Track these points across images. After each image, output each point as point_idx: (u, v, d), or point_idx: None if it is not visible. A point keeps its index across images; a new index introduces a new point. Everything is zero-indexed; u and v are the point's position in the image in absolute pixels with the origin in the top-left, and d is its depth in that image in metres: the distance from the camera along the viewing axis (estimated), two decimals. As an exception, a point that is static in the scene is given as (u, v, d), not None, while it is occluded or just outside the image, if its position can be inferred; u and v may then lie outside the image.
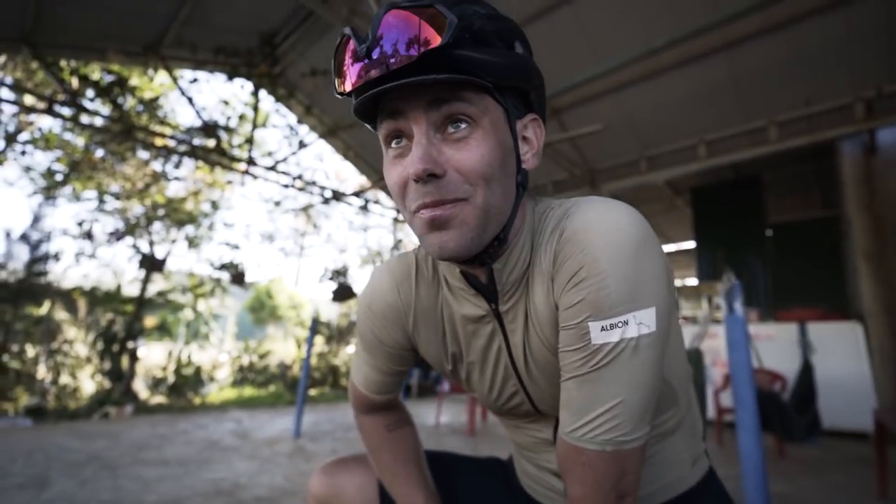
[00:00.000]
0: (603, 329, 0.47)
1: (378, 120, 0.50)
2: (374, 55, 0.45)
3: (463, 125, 0.48)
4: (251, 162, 5.27)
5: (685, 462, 0.64)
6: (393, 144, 0.50)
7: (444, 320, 0.65)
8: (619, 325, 0.47)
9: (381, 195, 8.52)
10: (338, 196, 6.66)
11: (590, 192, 5.63)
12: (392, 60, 0.44)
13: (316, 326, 4.05)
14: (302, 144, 5.63)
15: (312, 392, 7.22)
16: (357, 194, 6.94)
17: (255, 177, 5.65)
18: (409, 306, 0.66)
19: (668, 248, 9.66)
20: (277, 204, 8.24)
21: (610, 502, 0.47)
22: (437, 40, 0.43)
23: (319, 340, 8.88)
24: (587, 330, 0.48)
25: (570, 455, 0.50)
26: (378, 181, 6.90)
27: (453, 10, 0.44)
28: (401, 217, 7.86)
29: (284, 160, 5.81)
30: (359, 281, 10.36)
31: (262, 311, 16.76)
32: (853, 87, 3.85)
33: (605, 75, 4.02)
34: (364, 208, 7.26)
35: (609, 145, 5.18)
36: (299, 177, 6.13)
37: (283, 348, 9.95)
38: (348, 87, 0.47)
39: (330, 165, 13.23)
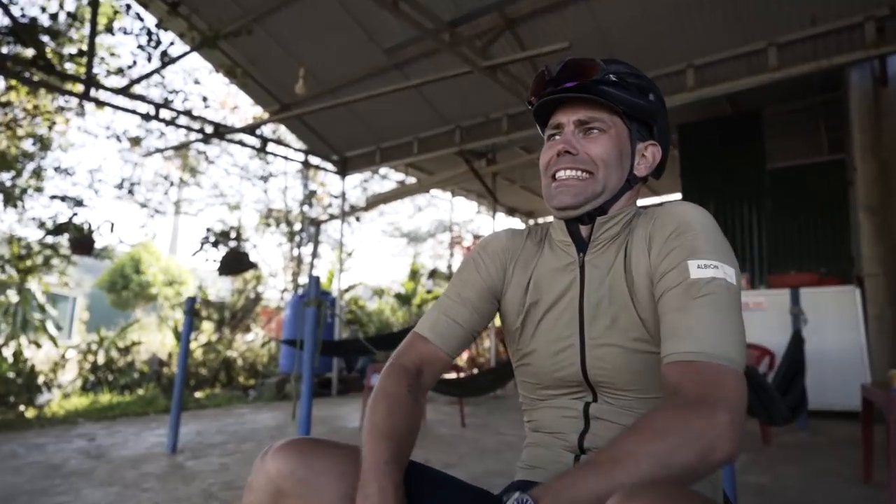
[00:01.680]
0: (699, 267, 0.77)
1: (548, 123, 0.98)
2: (555, 80, 0.93)
3: (595, 130, 0.91)
4: (92, 82, 4.87)
5: None
6: (553, 137, 0.95)
7: (534, 271, 0.99)
8: (712, 266, 0.76)
9: (285, 132, 8.24)
10: (221, 132, 6.33)
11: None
12: (564, 84, 0.92)
13: (193, 307, 3.93)
14: (167, 58, 5.25)
15: (199, 395, 7.09)
16: (250, 130, 6.64)
17: (99, 103, 5.25)
18: (516, 253, 1.03)
19: (649, 200, 10.15)
20: (136, 142, 7.74)
21: (712, 404, 0.66)
22: (592, 77, 0.91)
23: (208, 327, 8.67)
24: (686, 267, 0.78)
25: (679, 370, 0.72)
26: (278, 112, 6.63)
27: (608, 66, 0.92)
28: (312, 161, 7.65)
29: (141, 81, 5.42)
30: (258, 246, 10.11)
31: (126, 290, 15.98)
32: (864, 3, 4.11)
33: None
34: (262, 149, 6.98)
35: (579, 69, 5.23)
36: (165, 104, 5.76)
37: (157, 339, 9.63)
38: (534, 99, 0.97)
39: (211, 90, 12.52)
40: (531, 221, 10.91)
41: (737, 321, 0.74)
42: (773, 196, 6.44)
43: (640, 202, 1.02)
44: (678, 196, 7.26)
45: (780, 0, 4.28)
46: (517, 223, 10.75)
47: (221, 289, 12.00)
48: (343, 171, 7.70)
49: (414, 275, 12.07)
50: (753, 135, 6.47)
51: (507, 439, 4.39)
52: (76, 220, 5.83)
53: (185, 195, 11.12)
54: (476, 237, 13.25)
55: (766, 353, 4.91)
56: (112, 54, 6.08)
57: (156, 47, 5.19)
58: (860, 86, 5.00)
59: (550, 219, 1.03)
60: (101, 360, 7.23)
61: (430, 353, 0.97)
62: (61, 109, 6.45)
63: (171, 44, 5.31)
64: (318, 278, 3.14)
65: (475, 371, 8.51)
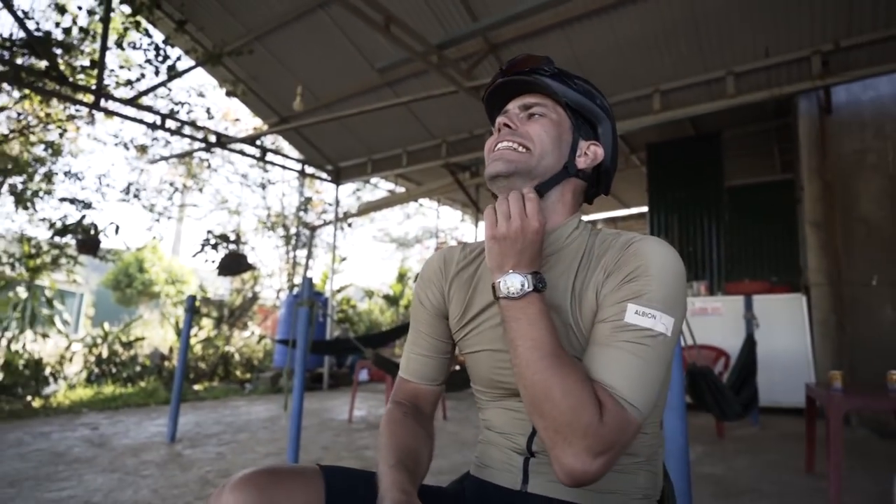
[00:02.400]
0: (636, 313, 0.72)
1: (495, 116, 0.95)
2: (505, 71, 0.92)
3: (536, 115, 0.89)
4: (102, 93, 4.82)
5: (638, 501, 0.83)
6: (498, 127, 0.90)
7: (476, 280, 0.94)
8: (649, 315, 0.71)
9: (283, 142, 8.19)
10: (223, 142, 6.30)
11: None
12: (512, 73, 0.91)
13: (193, 305, 3.90)
14: (173, 72, 5.21)
15: (197, 387, 7.02)
16: (251, 140, 6.61)
17: (108, 113, 5.19)
18: (450, 271, 0.98)
19: (621, 212, 10.25)
20: (143, 150, 7.65)
21: (610, 443, 0.64)
22: (537, 66, 0.91)
23: (208, 323, 8.57)
24: (624, 308, 0.72)
25: (600, 390, 0.69)
26: (277, 124, 6.61)
27: (558, 70, 0.92)
28: (308, 170, 7.64)
29: (149, 93, 5.38)
30: (256, 248, 10.02)
31: (130, 288, 15.76)
32: (812, 38, 4.22)
33: (552, 5, 4.08)
34: (262, 159, 6.94)
35: (556, 91, 5.30)
36: (171, 115, 5.71)
37: (160, 334, 9.51)
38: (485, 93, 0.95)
39: (215, 102, 12.41)
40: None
41: (654, 372, 0.70)
42: (730, 210, 6.57)
43: (613, 213, 0.97)
44: (645, 209, 7.35)
45: (738, 33, 4.38)
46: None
47: (220, 288, 11.88)
48: (337, 179, 7.70)
49: (401, 277, 12.07)
50: (713, 154, 6.59)
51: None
52: (83, 222, 5.75)
53: (188, 200, 11.02)
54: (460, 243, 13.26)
55: (721, 354, 4.99)
56: (122, 66, 6.01)
57: (163, 62, 5.15)
58: (808, 113, 5.13)
59: None
60: (105, 353, 7.13)
61: (414, 389, 0.98)
62: (72, 118, 6.36)
63: (178, 59, 5.26)
64: (311, 280, 3.14)
65: (456, 368, 8.51)
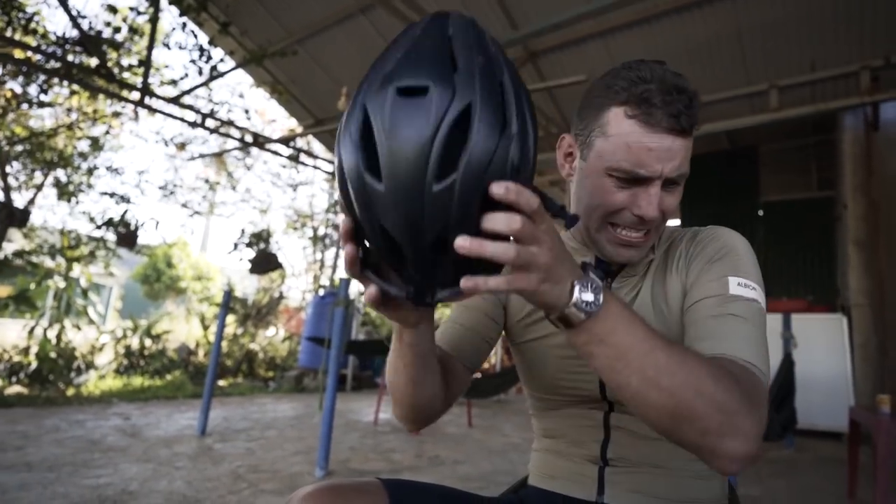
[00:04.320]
0: (739, 284, 0.71)
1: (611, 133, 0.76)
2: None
3: (675, 184, 0.75)
4: (147, 91, 4.94)
5: (713, 478, 0.80)
6: (621, 178, 0.75)
7: None
8: (751, 287, 0.71)
9: (316, 144, 8.29)
10: (260, 142, 6.40)
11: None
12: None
13: (229, 301, 3.95)
14: (216, 73, 5.32)
15: (222, 383, 7.09)
16: (285, 141, 6.70)
17: (152, 110, 5.32)
18: None
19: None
20: (182, 147, 7.82)
21: (759, 409, 0.58)
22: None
23: (232, 320, 8.68)
24: (727, 282, 0.71)
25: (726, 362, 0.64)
26: (313, 126, 6.69)
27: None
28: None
29: (191, 92, 5.50)
30: (284, 248, 10.12)
31: (158, 283, 16.07)
32: (861, 53, 4.12)
33: (593, 15, 4.06)
34: (294, 159, 7.03)
35: (593, 100, 5.27)
36: (211, 114, 5.83)
37: (186, 329, 9.65)
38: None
39: (252, 103, 12.65)
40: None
41: (765, 342, 0.68)
42: (765, 226, 6.43)
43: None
44: (678, 222, 7.24)
45: (783, 46, 4.30)
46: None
47: (248, 286, 12.03)
48: (367, 183, 7.74)
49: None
50: (749, 169, 6.47)
51: (512, 441, 4.36)
52: (123, 216, 5.89)
53: (220, 198, 11.22)
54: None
55: (756, 373, 4.86)
56: (165, 68, 6.17)
57: (207, 62, 5.27)
58: (853, 129, 5.00)
59: None
60: (134, 345, 7.26)
61: (444, 359, 0.83)
62: (117, 114, 6.54)
63: (221, 60, 5.38)
64: (348, 281, 3.15)
65: (479, 375, 8.46)
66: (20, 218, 5.49)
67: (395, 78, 0.46)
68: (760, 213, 6.42)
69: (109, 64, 4.94)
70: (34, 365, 5.62)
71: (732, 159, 6.60)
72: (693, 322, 0.71)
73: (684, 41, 4.45)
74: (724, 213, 6.52)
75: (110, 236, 6.24)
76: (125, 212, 5.73)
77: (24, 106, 5.73)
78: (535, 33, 4.38)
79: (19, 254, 6.15)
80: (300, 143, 8.16)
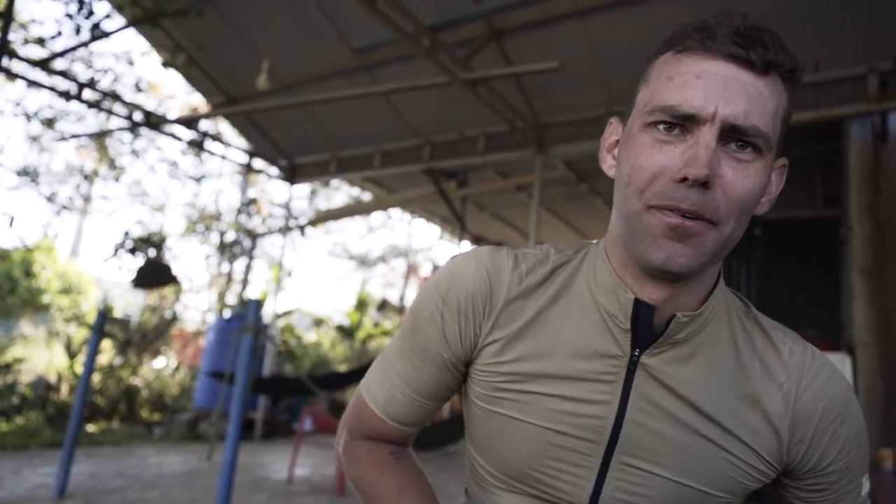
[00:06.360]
0: (865, 479, 0.78)
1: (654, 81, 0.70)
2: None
3: (749, 149, 0.63)
4: (5, 50, 4.75)
5: None
6: (661, 128, 0.64)
7: (538, 324, 0.76)
8: (866, 480, 0.78)
9: (226, 126, 8.17)
10: (154, 122, 6.25)
11: (534, 156, 5.90)
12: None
13: (105, 322, 3.82)
14: (98, 32, 5.17)
15: (91, 428, 6.83)
16: (187, 123, 6.57)
17: (11, 75, 5.12)
18: (498, 292, 0.77)
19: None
20: (50, 124, 7.53)
21: None
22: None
23: (108, 347, 8.37)
24: (861, 486, 0.78)
25: None
26: (223, 106, 6.59)
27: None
28: (256, 164, 7.60)
29: (65, 55, 5.33)
30: (181, 257, 9.88)
31: (12, 296, 15.27)
32: (869, 53, 4.45)
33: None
34: (198, 145, 6.90)
35: (566, 92, 5.44)
36: (90, 84, 5.65)
37: (46, 357, 9.25)
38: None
39: (146, 73, 12.34)
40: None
41: None
42: (763, 249, 6.76)
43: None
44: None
45: (786, 37, 4.57)
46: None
47: (131, 304, 11.63)
48: (291, 178, 7.69)
49: (361, 305, 12.01)
50: (747, 181, 6.81)
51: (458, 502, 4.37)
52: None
53: (98, 191, 10.83)
54: (435, 267, 13.34)
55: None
56: (31, 22, 5.96)
57: (87, 18, 5.11)
58: (860, 140, 5.35)
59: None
60: (-27, 379, 6.90)
61: (392, 432, 0.87)
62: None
63: (107, 16, 5.23)
64: (259, 302, 3.12)
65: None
66: None
67: None
68: (759, 232, 6.76)
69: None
70: None
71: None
72: None
73: (671, 27, 4.66)
74: (717, 231, 6.83)
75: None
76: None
77: None
78: (501, 8, 4.49)
79: None
80: (206, 125, 8.02)
